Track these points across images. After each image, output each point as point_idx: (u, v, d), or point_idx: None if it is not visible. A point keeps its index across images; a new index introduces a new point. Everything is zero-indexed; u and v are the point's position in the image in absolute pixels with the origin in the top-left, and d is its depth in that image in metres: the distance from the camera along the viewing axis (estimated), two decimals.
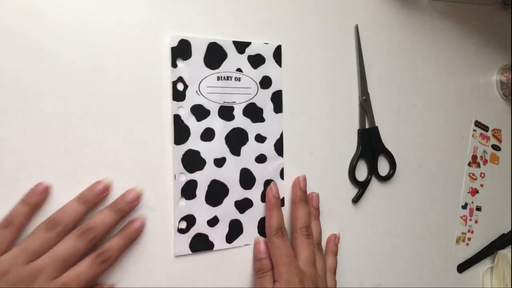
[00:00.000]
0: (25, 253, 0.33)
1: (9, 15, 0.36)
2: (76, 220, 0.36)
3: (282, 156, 0.48)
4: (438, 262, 0.60)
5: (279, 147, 0.47)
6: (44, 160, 0.37)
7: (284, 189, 0.48)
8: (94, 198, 0.37)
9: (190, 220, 0.43)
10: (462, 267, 0.63)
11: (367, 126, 0.53)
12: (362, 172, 0.53)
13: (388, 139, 0.55)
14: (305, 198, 0.47)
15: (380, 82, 0.54)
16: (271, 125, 0.47)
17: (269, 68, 0.47)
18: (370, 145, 0.53)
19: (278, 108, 0.47)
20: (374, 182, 0.54)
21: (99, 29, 0.39)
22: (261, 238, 0.46)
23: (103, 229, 0.36)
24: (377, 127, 0.54)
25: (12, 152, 0.36)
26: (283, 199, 0.48)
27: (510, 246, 0.66)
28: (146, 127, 0.41)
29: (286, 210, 0.47)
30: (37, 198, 0.36)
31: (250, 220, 0.46)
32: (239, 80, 0.45)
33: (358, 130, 0.53)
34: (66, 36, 0.38)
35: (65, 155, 0.38)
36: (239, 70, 0.45)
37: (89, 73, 0.39)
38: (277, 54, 0.47)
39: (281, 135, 0.48)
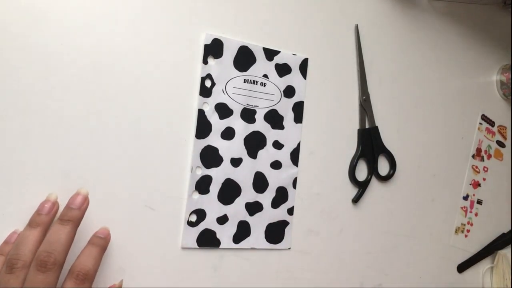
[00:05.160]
0: None
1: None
2: (36, 249, 0.32)
3: (297, 166, 0.48)
4: (438, 262, 0.60)
5: (295, 156, 0.48)
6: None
7: (295, 197, 0.48)
8: (47, 219, 0.34)
9: (200, 214, 0.43)
10: (462, 267, 0.63)
11: (367, 126, 0.53)
12: (362, 172, 0.53)
13: (388, 139, 0.55)
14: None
15: (380, 82, 0.54)
16: (289, 134, 0.48)
17: (294, 78, 0.48)
18: (370, 145, 0.53)
19: (298, 118, 0.48)
20: (374, 182, 0.54)
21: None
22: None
23: (63, 250, 0.32)
24: (377, 127, 0.54)
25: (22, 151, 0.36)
26: (292, 208, 0.48)
27: (510, 246, 0.66)
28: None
29: (295, 217, 0.48)
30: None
31: (258, 223, 0.46)
32: (264, 86, 0.46)
33: (358, 130, 0.53)
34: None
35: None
36: (265, 76, 0.46)
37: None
38: (303, 66, 0.48)
39: (298, 145, 0.48)
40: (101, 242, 0.36)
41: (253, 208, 0.46)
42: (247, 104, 0.46)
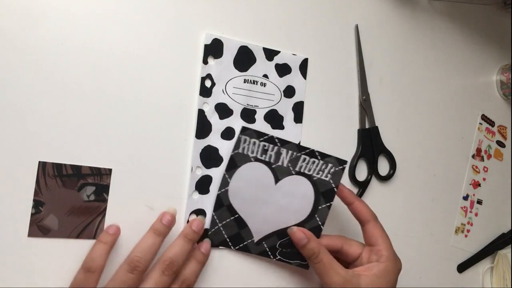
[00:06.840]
0: None
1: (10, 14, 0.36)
2: (155, 255, 0.38)
3: None
4: (438, 262, 0.60)
5: None
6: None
7: None
8: (166, 229, 0.39)
9: (200, 214, 0.43)
10: (462, 267, 0.62)
11: (367, 126, 0.53)
12: (362, 172, 0.53)
13: (388, 139, 0.55)
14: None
15: (380, 82, 0.54)
16: (289, 134, 0.48)
17: (294, 78, 0.48)
18: (370, 145, 0.53)
19: (298, 118, 0.48)
20: (374, 182, 0.54)
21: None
22: (295, 227, 0.44)
23: (182, 260, 0.39)
24: (377, 127, 0.54)
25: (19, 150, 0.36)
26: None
27: (510, 246, 0.66)
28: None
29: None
30: (111, 238, 0.38)
31: None
32: (264, 86, 0.46)
33: (358, 130, 0.53)
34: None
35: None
36: (265, 76, 0.46)
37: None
38: (303, 66, 0.48)
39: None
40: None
41: None
42: (247, 104, 0.46)
